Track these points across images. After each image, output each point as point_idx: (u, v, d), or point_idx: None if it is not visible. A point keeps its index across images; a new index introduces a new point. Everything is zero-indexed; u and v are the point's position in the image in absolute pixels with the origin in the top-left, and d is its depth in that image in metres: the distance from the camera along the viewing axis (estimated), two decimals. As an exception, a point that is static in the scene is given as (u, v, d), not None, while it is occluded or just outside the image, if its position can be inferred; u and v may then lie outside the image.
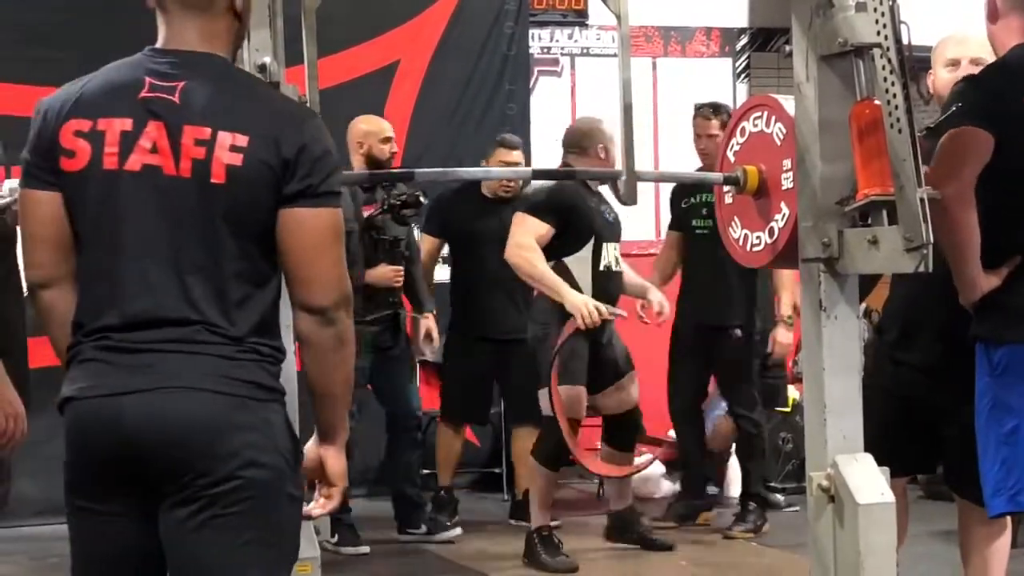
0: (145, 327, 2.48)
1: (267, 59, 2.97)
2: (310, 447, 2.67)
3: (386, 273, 6.08)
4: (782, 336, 6.33)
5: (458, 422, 6.66)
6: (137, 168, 2.48)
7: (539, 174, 5.93)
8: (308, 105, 3.36)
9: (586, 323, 5.41)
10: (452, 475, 6.71)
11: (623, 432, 5.94)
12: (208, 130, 2.47)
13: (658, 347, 6.48)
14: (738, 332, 6.29)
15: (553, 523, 5.97)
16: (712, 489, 7.14)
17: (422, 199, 6.10)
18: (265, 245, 2.51)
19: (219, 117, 2.48)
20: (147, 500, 2.49)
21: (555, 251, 5.62)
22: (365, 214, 6.09)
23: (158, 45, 2.58)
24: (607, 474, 6.04)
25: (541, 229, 5.58)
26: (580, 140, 5.86)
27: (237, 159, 2.46)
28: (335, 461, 2.66)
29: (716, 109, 6.38)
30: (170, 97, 2.49)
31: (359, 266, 5.94)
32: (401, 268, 6.12)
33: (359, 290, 5.97)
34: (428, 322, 6.37)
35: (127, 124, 2.49)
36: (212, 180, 2.46)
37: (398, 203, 5.97)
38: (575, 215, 5.63)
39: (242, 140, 2.46)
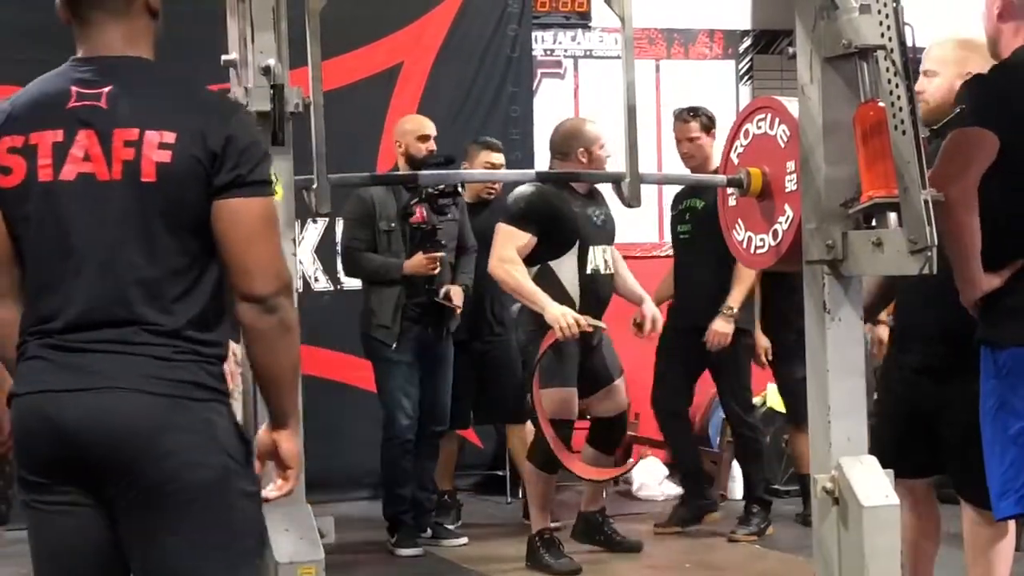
0: (84, 328, 2.50)
1: (271, 61, 2.97)
2: (262, 432, 2.69)
3: (420, 261, 6.00)
4: (719, 326, 6.19)
5: (454, 428, 6.63)
6: (72, 177, 2.51)
7: (542, 176, 5.92)
8: (312, 107, 3.36)
9: (564, 334, 5.41)
10: (451, 479, 6.69)
11: (610, 434, 5.94)
12: (136, 131, 2.49)
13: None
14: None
15: (554, 525, 5.96)
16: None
17: (460, 188, 6.11)
18: (204, 239, 2.53)
19: (146, 116, 2.50)
20: (96, 496, 2.52)
21: (538, 257, 5.61)
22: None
23: (80, 54, 2.60)
24: (591, 477, 6.03)
25: (522, 240, 5.55)
26: (560, 144, 5.82)
27: (166, 156, 2.48)
28: (288, 444, 2.67)
29: (694, 112, 6.32)
30: (97, 103, 2.52)
31: (400, 261, 6.03)
32: (436, 255, 6.01)
33: (399, 283, 6.06)
34: (454, 287, 6.21)
35: (59, 135, 2.51)
36: (143, 179, 2.48)
37: (436, 192, 5.95)
38: (556, 222, 5.59)
39: (170, 137, 2.49)
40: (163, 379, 2.50)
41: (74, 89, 2.54)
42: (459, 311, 6.19)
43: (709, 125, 6.29)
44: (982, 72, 3.81)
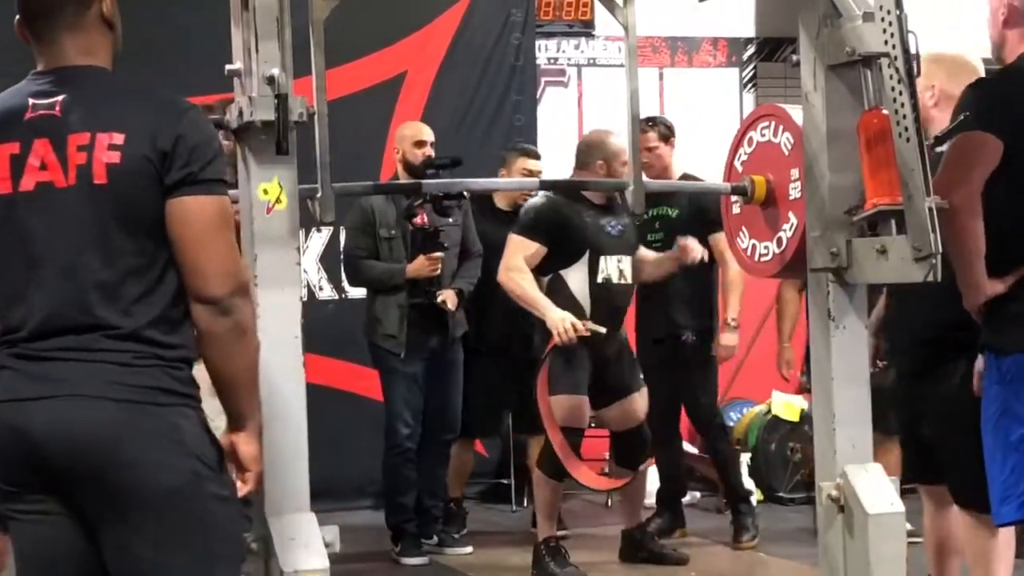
0: (48, 336, 2.51)
1: (275, 71, 2.96)
2: (222, 435, 2.67)
3: (422, 263, 6.03)
4: (726, 339, 6.25)
5: (471, 436, 6.63)
6: (31, 187, 2.52)
7: (546, 185, 5.94)
8: (316, 117, 3.37)
9: (562, 339, 5.45)
10: (463, 487, 6.68)
11: (628, 449, 5.90)
12: (87, 134, 2.51)
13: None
14: (691, 337, 6.28)
15: (560, 533, 5.96)
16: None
17: (464, 192, 6.08)
18: (159, 238, 2.52)
19: (97, 120, 2.52)
20: (68, 504, 2.52)
21: (550, 266, 5.66)
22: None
23: (39, 68, 2.62)
24: (596, 486, 6.03)
25: (531, 249, 5.62)
26: (581, 154, 5.87)
27: (115, 157, 2.49)
28: (246, 446, 2.67)
29: (652, 121, 6.31)
30: (52, 112, 2.53)
31: (403, 266, 6.06)
32: (437, 256, 6.02)
33: (399, 289, 6.10)
34: (448, 291, 6.17)
35: (15, 148, 2.53)
36: (95, 182, 2.49)
37: (440, 194, 5.96)
38: (565, 231, 5.63)
39: (119, 138, 2.50)
40: (125, 385, 2.49)
41: (31, 101, 2.56)
42: (456, 314, 6.19)
43: (667, 135, 6.31)
44: (984, 76, 3.83)
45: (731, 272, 6.08)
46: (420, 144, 6.18)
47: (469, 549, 6.38)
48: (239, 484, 2.69)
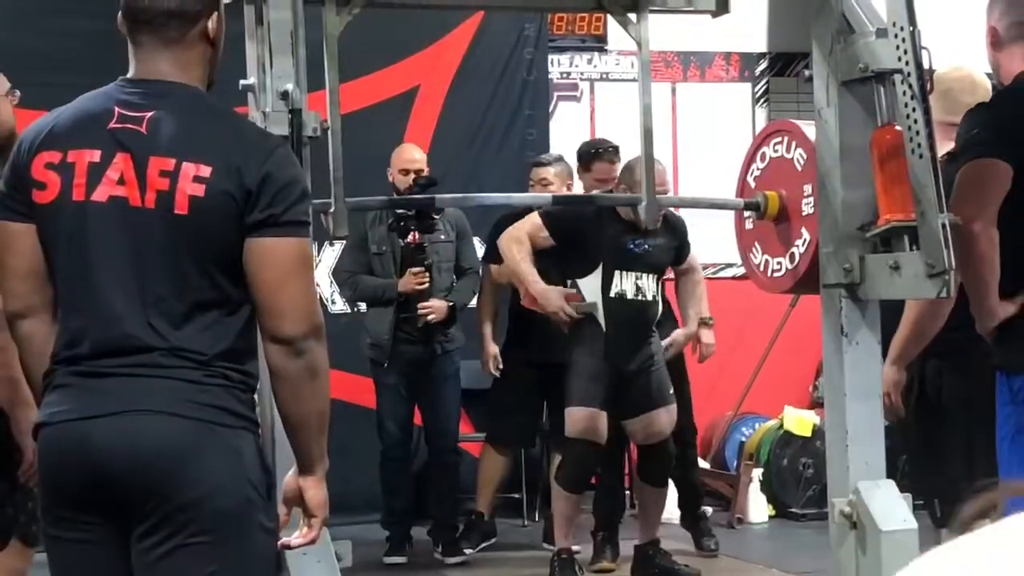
0: (113, 354, 2.48)
1: (289, 86, 2.98)
2: (290, 477, 2.64)
3: (408, 280, 6.12)
4: (707, 337, 6.17)
5: (507, 445, 6.61)
6: (104, 199, 2.48)
7: (559, 200, 5.93)
8: (330, 131, 3.37)
9: (555, 314, 5.58)
10: (488, 499, 6.64)
11: (651, 464, 5.91)
12: (172, 161, 2.46)
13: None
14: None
15: (576, 547, 5.96)
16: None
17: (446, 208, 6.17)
18: (233, 274, 2.49)
19: (184, 148, 2.47)
20: (118, 527, 2.49)
21: (559, 265, 5.75)
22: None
23: (130, 75, 2.58)
24: None
25: (540, 231, 5.68)
26: (621, 173, 5.89)
27: (200, 190, 2.45)
28: (314, 492, 2.63)
29: (618, 151, 6.26)
30: (138, 127, 2.49)
31: (395, 281, 6.18)
32: (422, 270, 6.11)
33: (393, 303, 6.21)
34: (437, 303, 6.24)
35: (95, 155, 2.49)
36: (176, 211, 2.45)
37: (423, 218, 6.00)
38: (579, 237, 5.65)
39: (205, 171, 2.45)
40: (193, 402, 2.47)
41: (117, 110, 2.51)
42: (448, 328, 6.30)
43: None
44: (987, 101, 3.83)
45: (700, 279, 6.14)
46: (405, 172, 6.25)
47: (458, 559, 6.39)
48: (304, 529, 2.66)
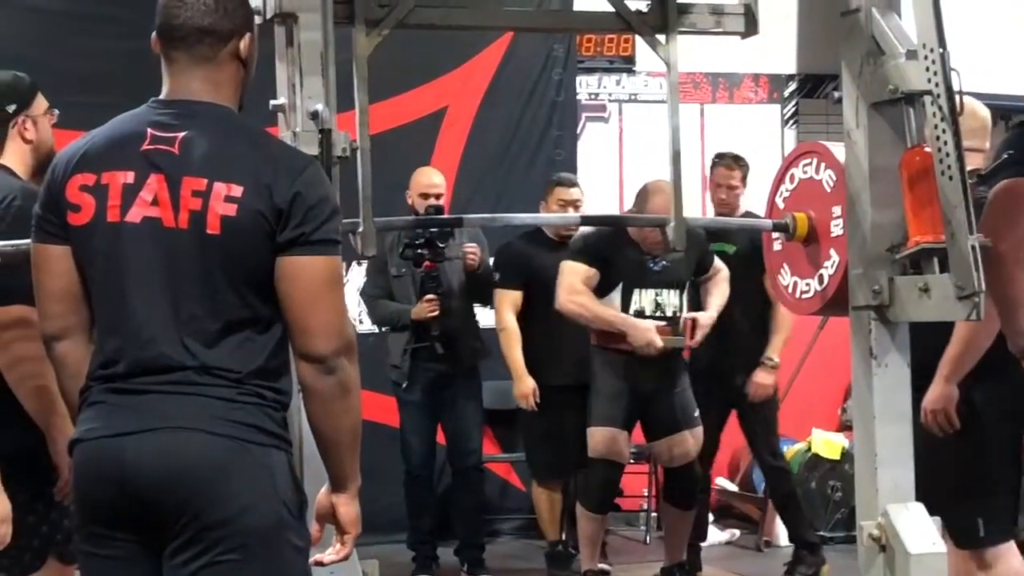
0: (148, 373, 2.49)
1: (319, 106, 3.00)
2: (322, 495, 2.66)
3: (422, 307, 6.12)
4: (760, 377, 6.11)
5: (552, 479, 6.47)
6: (137, 220, 2.50)
7: (587, 220, 5.96)
8: (359, 151, 3.39)
9: (645, 351, 5.57)
10: (555, 529, 6.53)
11: (678, 486, 5.93)
12: (204, 181, 2.47)
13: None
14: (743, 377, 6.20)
15: (602, 566, 5.96)
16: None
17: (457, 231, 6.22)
18: (265, 292, 2.51)
19: (215, 168, 2.49)
20: (151, 544, 2.49)
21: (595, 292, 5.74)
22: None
23: (162, 95, 2.60)
24: None
25: (587, 272, 5.68)
26: (637, 197, 5.89)
27: (231, 209, 2.46)
28: (347, 509, 2.64)
29: (738, 159, 6.30)
30: (170, 148, 2.50)
31: (410, 307, 6.19)
32: (435, 298, 6.10)
33: (408, 328, 6.24)
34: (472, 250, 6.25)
35: (129, 177, 2.51)
36: (208, 231, 2.47)
37: (434, 235, 5.99)
38: (608, 260, 5.71)
39: (237, 190, 2.47)
40: (227, 420, 2.48)
41: (150, 131, 2.53)
42: (467, 345, 6.33)
43: (746, 175, 6.27)
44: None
45: (779, 313, 6.00)
46: (425, 196, 6.26)
47: None
48: (337, 546, 2.67)
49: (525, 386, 6.10)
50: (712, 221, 6.21)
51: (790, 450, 7.48)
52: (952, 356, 3.92)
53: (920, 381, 3.88)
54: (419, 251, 6.01)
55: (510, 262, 6.33)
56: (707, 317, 5.81)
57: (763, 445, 6.34)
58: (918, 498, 3.62)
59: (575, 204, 6.31)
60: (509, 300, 6.17)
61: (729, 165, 6.27)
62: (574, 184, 6.46)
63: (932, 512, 3.64)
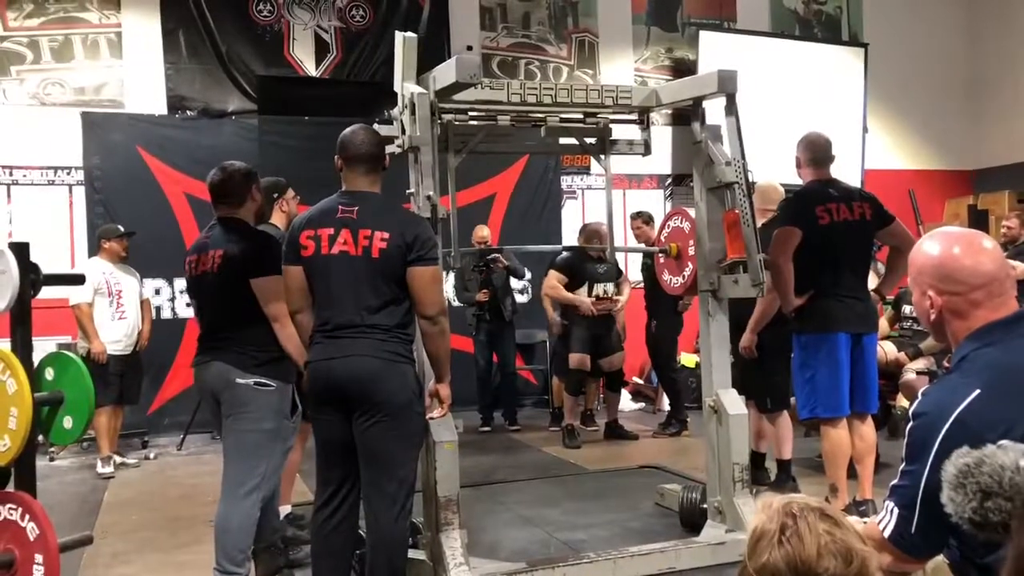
0: (342, 328, 2.47)
1: (430, 193, 2.98)
2: (431, 384, 2.62)
3: (481, 296, 6.15)
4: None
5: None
6: (336, 252, 2.49)
7: (566, 248, 5.93)
8: (450, 216, 3.37)
9: (590, 312, 5.53)
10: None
11: (612, 382, 5.94)
12: (370, 230, 2.47)
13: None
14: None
15: (575, 423, 5.88)
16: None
17: (499, 262, 6.14)
18: (402, 286, 2.48)
19: (376, 223, 2.48)
20: (345, 413, 2.48)
21: (569, 286, 5.68)
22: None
23: (344, 189, 2.59)
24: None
25: (561, 277, 5.70)
26: (584, 233, 5.83)
27: (384, 244, 2.46)
28: (444, 391, 2.63)
29: (641, 214, 6.07)
30: (351, 214, 2.50)
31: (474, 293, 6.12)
32: (486, 291, 6.13)
33: (475, 304, 6.13)
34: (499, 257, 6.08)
35: (331, 231, 2.50)
36: (373, 256, 2.46)
37: (489, 262, 6.06)
38: (575, 270, 5.68)
39: (387, 235, 2.46)
40: (381, 350, 2.46)
41: (340, 206, 2.53)
42: (507, 309, 6.16)
43: (649, 220, 6.19)
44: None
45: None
46: (482, 240, 6.15)
47: (515, 428, 6.25)
48: (438, 410, 2.65)
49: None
50: (629, 248, 6.17)
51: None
52: (755, 318, 3.91)
53: (737, 332, 3.86)
54: (480, 267, 6.04)
55: (564, 262, 5.92)
56: (622, 300, 5.80)
57: (664, 360, 6.20)
58: (734, 386, 3.60)
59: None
60: (557, 278, 5.80)
61: (642, 218, 6.16)
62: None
63: (741, 393, 3.62)
